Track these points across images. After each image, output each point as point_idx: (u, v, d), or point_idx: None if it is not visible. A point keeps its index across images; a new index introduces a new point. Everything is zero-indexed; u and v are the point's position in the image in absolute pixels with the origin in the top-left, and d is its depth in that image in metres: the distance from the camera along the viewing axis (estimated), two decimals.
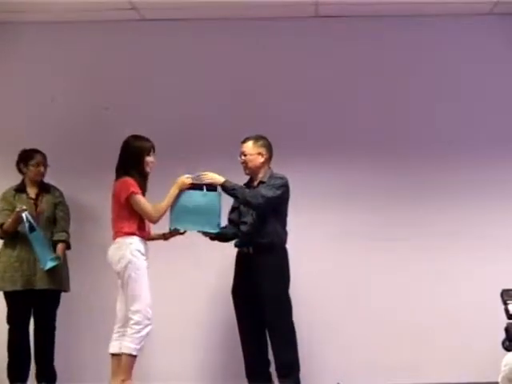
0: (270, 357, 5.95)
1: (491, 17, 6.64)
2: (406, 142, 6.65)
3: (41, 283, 6.04)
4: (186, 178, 5.68)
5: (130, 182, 5.55)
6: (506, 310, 5.62)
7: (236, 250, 5.97)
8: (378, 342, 6.49)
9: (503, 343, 5.55)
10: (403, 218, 6.56)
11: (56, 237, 6.18)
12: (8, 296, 6.11)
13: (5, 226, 6.05)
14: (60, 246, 6.16)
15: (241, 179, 6.01)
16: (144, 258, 5.56)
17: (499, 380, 4.99)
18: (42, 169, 6.18)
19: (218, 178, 5.74)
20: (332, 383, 6.30)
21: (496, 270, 6.45)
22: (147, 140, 5.72)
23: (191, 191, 5.70)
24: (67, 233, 6.24)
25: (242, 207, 5.94)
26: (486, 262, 6.48)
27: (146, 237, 5.67)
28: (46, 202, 6.18)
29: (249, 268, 5.83)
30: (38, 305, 6.12)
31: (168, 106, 6.74)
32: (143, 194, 5.64)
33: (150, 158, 5.68)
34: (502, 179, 6.56)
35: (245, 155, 5.89)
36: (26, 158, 6.18)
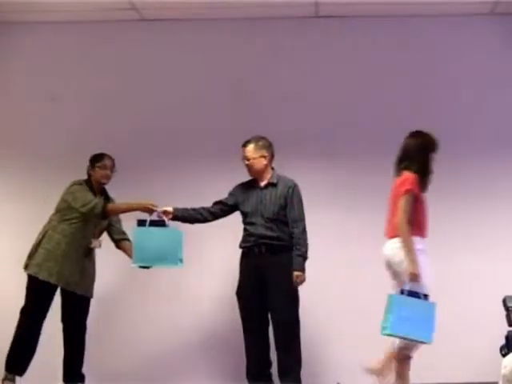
0: (271, 357, 5.97)
1: (491, 17, 6.64)
2: None
3: (75, 287, 5.92)
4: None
5: (411, 179, 5.25)
6: (508, 317, 5.59)
7: (234, 250, 5.96)
8: (378, 342, 6.48)
9: (501, 349, 5.54)
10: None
11: (120, 236, 6.07)
12: (36, 283, 5.89)
13: (112, 206, 5.91)
14: (128, 244, 6.01)
15: (240, 179, 6.02)
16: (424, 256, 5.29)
17: (500, 381, 4.99)
18: (108, 172, 6.01)
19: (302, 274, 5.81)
20: (332, 383, 6.31)
21: (497, 271, 6.45)
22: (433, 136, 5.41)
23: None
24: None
25: (245, 207, 5.94)
26: (488, 263, 6.47)
27: (426, 236, 5.36)
28: None
29: (259, 268, 5.83)
30: (68, 307, 6.01)
31: (168, 105, 6.73)
32: (422, 191, 5.36)
33: (434, 155, 5.40)
34: (503, 178, 6.56)
35: (248, 159, 5.90)
36: (94, 160, 6.04)
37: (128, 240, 6.04)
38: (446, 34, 6.68)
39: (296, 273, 5.80)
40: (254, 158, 5.90)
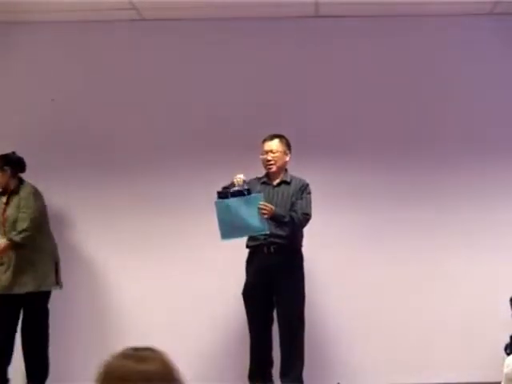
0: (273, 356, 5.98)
1: (491, 17, 6.63)
2: (407, 142, 6.63)
3: (9, 289, 6.02)
4: None
5: None
6: None
7: (239, 249, 5.95)
8: (378, 342, 6.49)
9: (506, 348, 5.52)
10: (406, 219, 6.55)
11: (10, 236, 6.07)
12: None
13: None
14: (2, 244, 6.00)
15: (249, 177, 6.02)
16: None
17: (502, 380, 4.99)
18: None
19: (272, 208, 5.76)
20: (332, 383, 6.31)
21: (497, 270, 6.45)
22: None
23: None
24: (22, 232, 6.02)
25: None
26: (487, 262, 6.48)
27: None
28: (12, 207, 6.13)
29: (267, 268, 5.82)
30: (23, 307, 6.10)
31: (168, 105, 6.73)
32: None
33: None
34: (503, 178, 6.56)
35: (273, 153, 5.90)
36: None
37: (11, 240, 6.02)
38: (446, 33, 6.68)
39: (269, 208, 5.70)
40: (280, 152, 5.91)
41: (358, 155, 6.62)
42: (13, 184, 6.20)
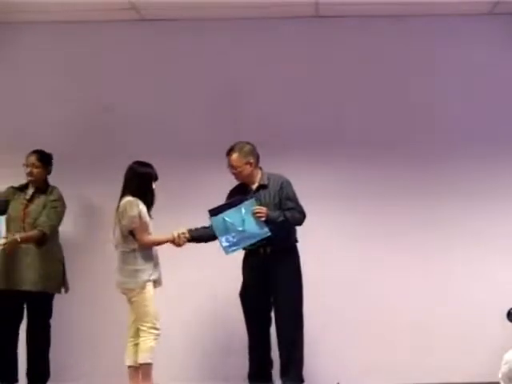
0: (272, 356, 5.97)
1: (491, 17, 6.64)
2: (407, 142, 6.63)
3: (25, 285, 6.00)
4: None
5: None
6: None
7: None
8: (377, 342, 6.48)
9: (508, 315, 5.43)
10: (405, 218, 6.56)
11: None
12: None
13: None
14: (32, 234, 6.00)
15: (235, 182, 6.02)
16: None
17: (499, 376, 4.99)
18: (29, 169, 6.14)
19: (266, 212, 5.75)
20: (332, 383, 6.30)
21: (497, 271, 6.45)
22: None
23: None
24: (48, 225, 6.04)
25: None
26: (487, 262, 6.48)
27: None
28: (36, 205, 6.12)
29: (263, 268, 5.82)
30: (28, 306, 6.11)
31: (168, 105, 6.73)
32: None
33: None
34: (503, 179, 6.56)
35: (235, 168, 5.88)
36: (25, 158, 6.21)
37: (42, 232, 6.02)
38: (446, 33, 6.68)
39: (264, 210, 5.69)
40: (240, 167, 5.87)
41: (358, 155, 6.60)
42: (43, 183, 6.20)
